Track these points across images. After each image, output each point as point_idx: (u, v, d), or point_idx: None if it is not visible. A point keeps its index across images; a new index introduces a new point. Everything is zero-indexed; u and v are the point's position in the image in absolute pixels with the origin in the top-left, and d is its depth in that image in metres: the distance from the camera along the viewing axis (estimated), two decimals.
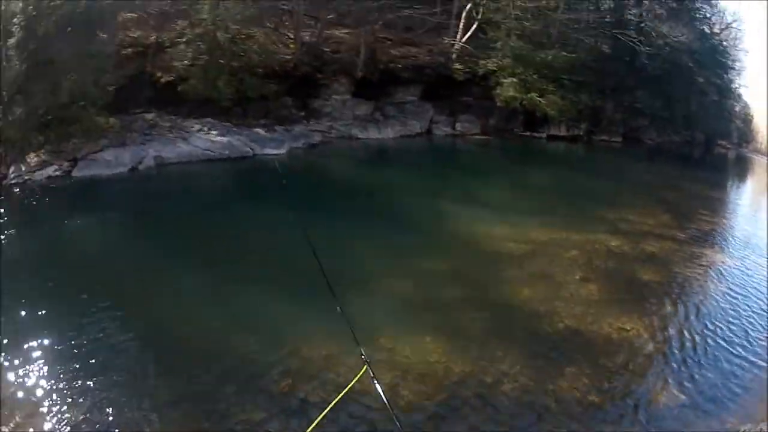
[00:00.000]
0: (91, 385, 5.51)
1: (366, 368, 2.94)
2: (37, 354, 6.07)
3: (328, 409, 3.11)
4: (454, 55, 19.88)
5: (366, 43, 17.00)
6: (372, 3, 17.24)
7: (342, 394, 3.16)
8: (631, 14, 26.47)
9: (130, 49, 14.82)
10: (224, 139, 14.24)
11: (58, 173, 13.61)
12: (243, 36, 15.23)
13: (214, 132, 14.31)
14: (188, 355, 5.94)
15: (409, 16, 19.01)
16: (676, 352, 6.06)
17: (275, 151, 14.58)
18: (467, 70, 19.62)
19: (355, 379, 3.10)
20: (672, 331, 6.52)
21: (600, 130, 24.39)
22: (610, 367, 5.55)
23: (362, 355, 3.06)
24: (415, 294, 6.96)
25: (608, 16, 25.97)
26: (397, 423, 2.93)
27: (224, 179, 13.42)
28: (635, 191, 14.50)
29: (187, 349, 6.10)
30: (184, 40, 14.67)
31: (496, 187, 14.03)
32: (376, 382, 2.99)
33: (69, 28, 14.16)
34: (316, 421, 2.93)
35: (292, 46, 15.98)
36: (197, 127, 14.30)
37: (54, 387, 5.45)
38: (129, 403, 5.19)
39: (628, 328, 6.35)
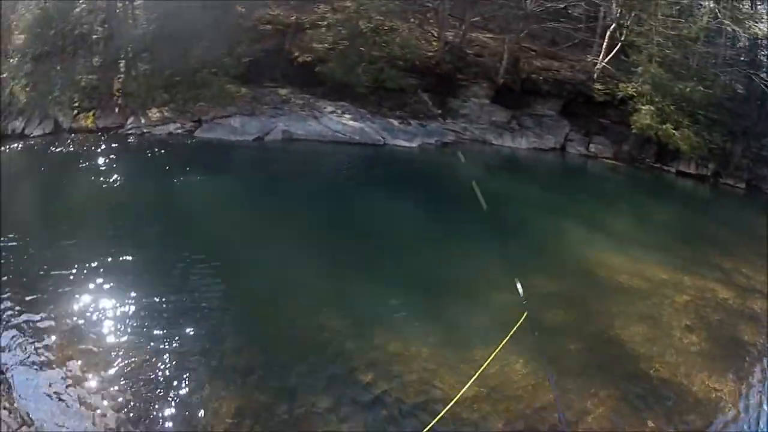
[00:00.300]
0: (167, 336, 5.89)
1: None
2: (126, 298, 6.58)
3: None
4: (595, 75, 18.22)
5: (509, 51, 15.73)
6: (518, 11, 16.11)
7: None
8: (763, 55, 23.54)
9: (269, 26, 14.75)
10: (356, 124, 13.35)
11: (179, 131, 13.56)
12: (386, 28, 14.56)
13: (347, 116, 13.48)
14: (275, 328, 6.16)
15: (554, 28, 17.62)
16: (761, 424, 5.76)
17: (407, 144, 13.45)
18: (606, 91, 18.02)
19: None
20: (760, 398, 6.15)
21: (726, 174, 21.59)
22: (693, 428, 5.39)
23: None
24: (518, 312, 6.55)
25: (743, 55, 23.38)
26: None
27: (351, 161, 12.87)
28: (754, 244, 12.33)
29: (275, 320, 6.28)
30: (325, 23, 14.33)
31: (620, 216, 12.83)
32: None
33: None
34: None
35: (434, 43, 15.15)
36: (330, 108, 13.56)
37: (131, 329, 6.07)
38: (203, 360, 5.51)
39: (719, 388, 6.05)
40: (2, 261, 7.79)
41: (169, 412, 5.04)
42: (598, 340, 6.63)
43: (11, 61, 17.52)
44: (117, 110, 14.41)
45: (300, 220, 9.36)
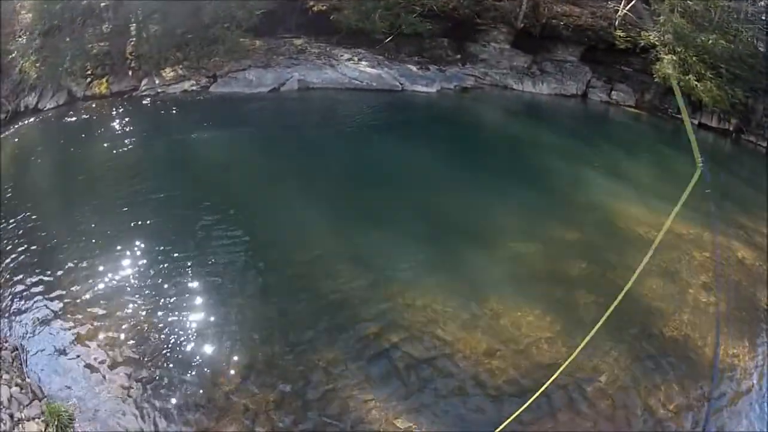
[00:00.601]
0: (181, 295, 5.99)
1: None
2: (152, 249, 6.82)
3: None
4: (616, 22, 17.62)
5: None
6: None
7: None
8: None
9: None
10: (374, 70, 12.93)
11: (194, 88, 13.28)
12: None
13: (364, 62, 13.06)
14: (291, 281, 6.14)
15: None
16: None
17: (425, 89, 13.01)
18: (628, 38, 17.40)
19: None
20: None
21: (749, 130, 20.84)
22: (705, 395, 5.19)
23: None
24: (536, 260, 6.79)
25: (764, 14, 22.63)
26: None
27: (368, 108, 12.46)
28: None
29: (291, 273, 6.27)
30: None
31: (641, 166, 12.29)
32: None
33: None
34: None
35: None
36: (347, 56, 13.16)
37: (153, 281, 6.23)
38: (216, 318, 5.62)
39: (735, 354, 5.77)
40: (20, 232, 7.76)
41: (180, 375, 5.03)
42: (614, 294, 6.33)
43: (19, 39, 17.42)
44: (130, 74, 14.14)
45: (317, 170, 9.19)
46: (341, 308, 5.67)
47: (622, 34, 17.38)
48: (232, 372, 5.01)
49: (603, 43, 17.00)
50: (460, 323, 5.49)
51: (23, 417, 5.01)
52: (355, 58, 13.06)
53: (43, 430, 4.86)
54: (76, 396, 5.22)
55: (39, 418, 4.97)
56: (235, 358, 5.16)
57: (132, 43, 14.54)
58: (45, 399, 5.20)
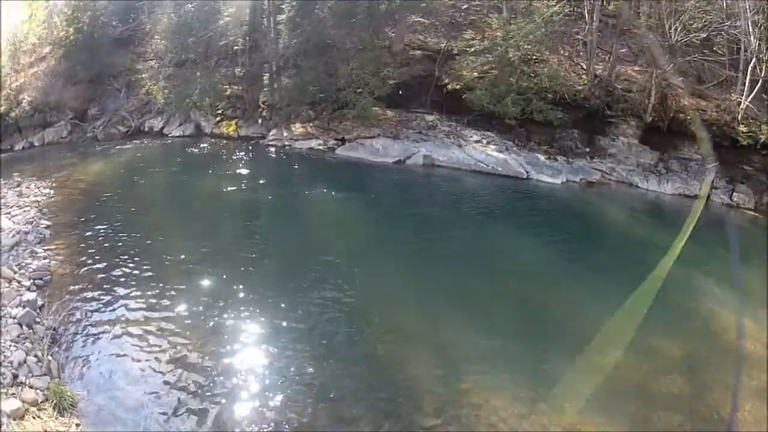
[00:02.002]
0: (255, 329, 6.14)
1: None
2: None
3: None
4: (738, 115, 16.73)
5: (657, 86, 14.65)
6: (663, 41, 15.04)
7: None
8: None
9: (419, 52, 14.56)
10: (500, 155, 12.86)
11: (321, 147, 13.70)
12: (534, 58, 13.96)
13: (492, 146, 13.02)
14: (362, 350, 5.97)
15: (700, 64, 16.36)
16: None
17: (550, 180, 12.79)
18: (749, 134, 16.42)
19: None
20: None
21: None
22: None
23: None
24: (628, 373, 6.19)
25: None
26: None
27: (490, 193, 12.36)
28: None
29: (365, 343, 6.10)
30: (472, 50, 13.87)
31: (756, 275, 10.70)
32: None
33: (352, 19, 14.29)
34: None
35: (583, 77, 14.40)
36: (475, 137, 13.18)
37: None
38: (277, 365, 5.59)
39: None
40: (113, 233, 8.71)
41: (205, 408, 4.97)
42: (709, 420, 5.69)
43: (151, 63, 18.54)
44: (260, 121, 14.77)
45: (426, 246, 9.16)
46: (403, 390, 5.39)
47: (744, 129, 16.51)
48: (256, 422, 4.84)
49: (726, 139, 16.10)
50: None
51: (26, 383, 5.07)
52: (484, 141, 13.04)
53: (39, 401, 4.85)
54: (88, 389, 5.25)
55: (41, 390, 5.00)
56: (268, 412, 4.98)
57: (265, 91, 15.20)
58: (56, 379, 5.27)
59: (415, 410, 5.14)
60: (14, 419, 4.48)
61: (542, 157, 13.05)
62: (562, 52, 14.81)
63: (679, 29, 15.13)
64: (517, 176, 12.73)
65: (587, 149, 13.56)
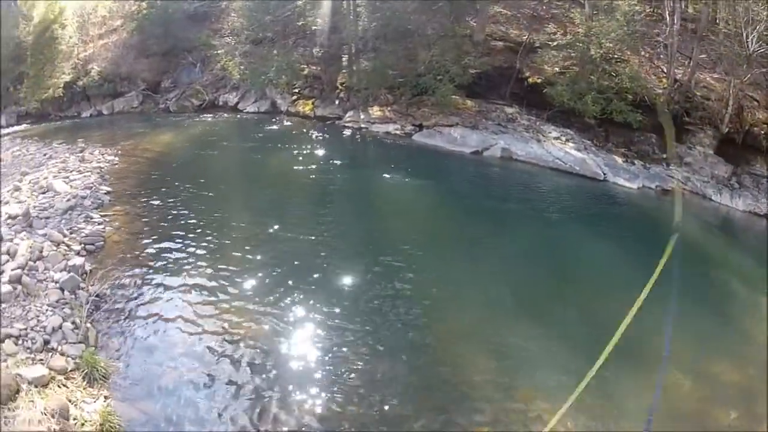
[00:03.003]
0: (309, 320, 5.90)
1: None
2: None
3: None
4: None
5: (734, 97, 14.47)
6: (741, 50, 14.80)
7: None
8: None
9: (500, 43, 14.65)
10: (579, 154, 12.93)
11: (398, 132, 13.91)
12: (616, 57, 13.93)
13: (571, 144, 13.09)
14: (416, 346, 5.78)
15: None
16: None
17: (627, 184, 12.80)
18: None
19: None
20: None
21: None
22: None
23: None
24: (685, 398, 6.07)
25: None
26: None
27: (568, 192, 12.27)
28: None
29: (420, 340, 5.89)
30: (554, 44, 13.93)
31: None
32: None
33: (433, 6, 14.45)
34: None
35: (663, 80, 14.31)
36: (555, 134, 13.26)
37: None
38: (325, 358, 5.38)
39: None
40: (180, 209, 8.52)
41: (243, 398, 4.77)
42: None
43: (227, 39, 19.03)
44: (337, 102, 15.12)
45: (499, 244, 9.02)
46: (457, 394, 5.17)
47: None
48: (298, 419, 4.62)
49: None
50: None
51: (58, 349, 4.90)
52: (563, 138, 13.13)
53: (68, 369, 4.67)
54: (125, 361, 5.04)
55: (73, 358, 4.81)
56: (313, 407, 4.75)
57: (343, 73, 15.54)
58: (92, 348, 5.05)
59: (467, 416, 4.93)
60: (36, 386, 4.28)
61: (619, 160, 13.07)
62: (642, 53, 14.73)
63: (755, 39, 14.89)
64: (594, 177, 12.76)
65: (664, 155, 13.53)
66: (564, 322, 6.83)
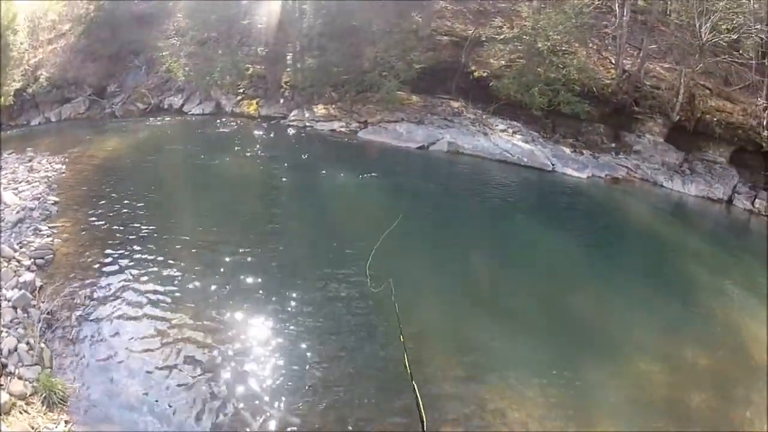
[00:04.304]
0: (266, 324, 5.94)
1: None
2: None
3: None
4: (764, 121, 16.44)
5: (685, 85, 14.41)
6: (693, 40, 14.79)
7: None
8: None
9: (446, 38, 14.40)
10: (527, 146, 12.69)
11: (343, 129, 13.59)
12: (563, 49, 13.76)
13: (518, 136, 12.85)
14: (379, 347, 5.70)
15: (728, 66, 16.09)
16: None
17: (576, 174, 12.61)
18: None
19: None
20: None
21: None
22: None
23: None
24: (658, 385, 6.01)
25: None
26: None
27: (516, 184, 12.11)
28: None
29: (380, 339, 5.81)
30: (500, 38, 13.68)
31: None
32: None
33: (379, 2, 14.10)
34: None
35: (612, 71, 14.17)
36: (502, 126, 13.01)
37: None
38: (285, 352, 5.46)
39: None
40: (129, 216, 8.36)
41: (203, 405, 4.74)
42: None
43: (172, 41, 18.39)
44: (282, 101, 14.63)
45: (449, 236, 8.93)
46: (421, 393, 5.11)
47: (766, 134, 16.25)
48: (258, 423, 4.61)
49: (751, 144, 15.89)
50: None
51: (15, 373, 4.81)
52: (510, 131, 12.85)
53: (27, 394, 4.62)
54: (82, 381, 4.95)
55: (31, 382, 4.76)
56: (272, 411, 4.71)
57: (288, 72, 15.04)
58: (47, 370, 4.98)
59: (434, 417, 4.74)
60: (1, 414, 4.27)
61: (568, 150, 12.85)
62: (590, 45, 14.59)
63: (708, 29, 14.89)
64: (542, 168, 12.54)
65: (613, 144, 13.36)
66: (523, 314, 6.79)
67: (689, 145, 14.62)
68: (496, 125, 12.93)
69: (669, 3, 17.21)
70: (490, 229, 9.84)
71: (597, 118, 13.25)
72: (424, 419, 2.82)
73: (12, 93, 17.62)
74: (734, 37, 16.00)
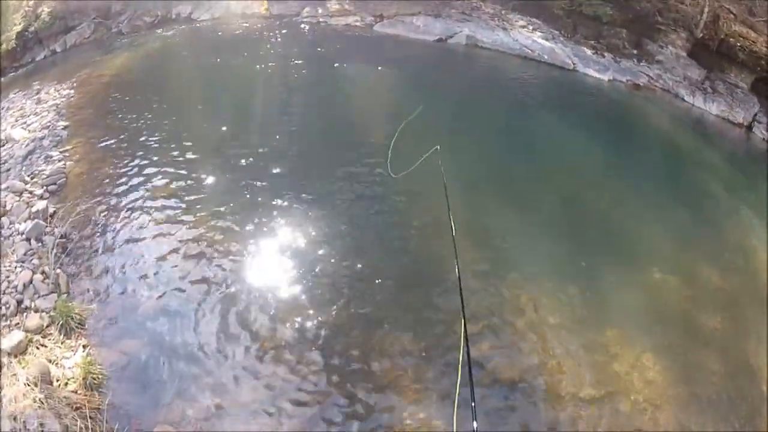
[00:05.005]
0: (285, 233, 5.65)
1: None
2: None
3: None
4: None
5: (710, 5, 13.99)
6: None
7: None
8: None
9: None
10: (547, 43, 12.24)
11: (358, 23, 13.03)
12: None
13: (538, 33, 12.39)
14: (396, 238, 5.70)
15: None
16: None
17: (597, 75, 12.19)
18: None
19: None
20: None
21: None
22: None
23: None
24: (672, 300, 5.79)
25: None
26: None
27: (536, 80, 11.62)
28: None
29: (398, 232, 5.83)
30: None
31: None
32: None
33: None
34: None
35: None
36: (522, 23, 12.55)
37: None
38: (304, 259, 5.27)
39: None
40: (141, 128, 7.97)
41: (226, 326, 4.52)
42: (742, 369, 5.20)
43: None
44: None
45: (468, 130, 8.50)
46: (438, 288, 4.99)
47: None
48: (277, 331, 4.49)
49: None
50: (564, 351, 4.66)
51: (32, 306, 4.54)
52: (530, 27, 12.41)
53: (44, 326, 4.40)
54: (100, 301, 4.70)
55: (47, 312, 4.53)
56: (290, 316, 4.59)
57: None
58: (64, 295, 4.72)
59: (447, 311, 4.67)
60: (15, 356, 4.06)
61: (589, 51, 12.38)
62: None
63: None
64: (563, 66, 12.07)
65: (635, 51, 12.87)
66: (543, 214, 6.59)
67: (712, 64, 14.17)
68: (516, 21, 12.49)
69: None
70: (509, 124, 9.46)
71: (619, 23, 12.79)
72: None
73: (14, 36, 17.18)
74: None
